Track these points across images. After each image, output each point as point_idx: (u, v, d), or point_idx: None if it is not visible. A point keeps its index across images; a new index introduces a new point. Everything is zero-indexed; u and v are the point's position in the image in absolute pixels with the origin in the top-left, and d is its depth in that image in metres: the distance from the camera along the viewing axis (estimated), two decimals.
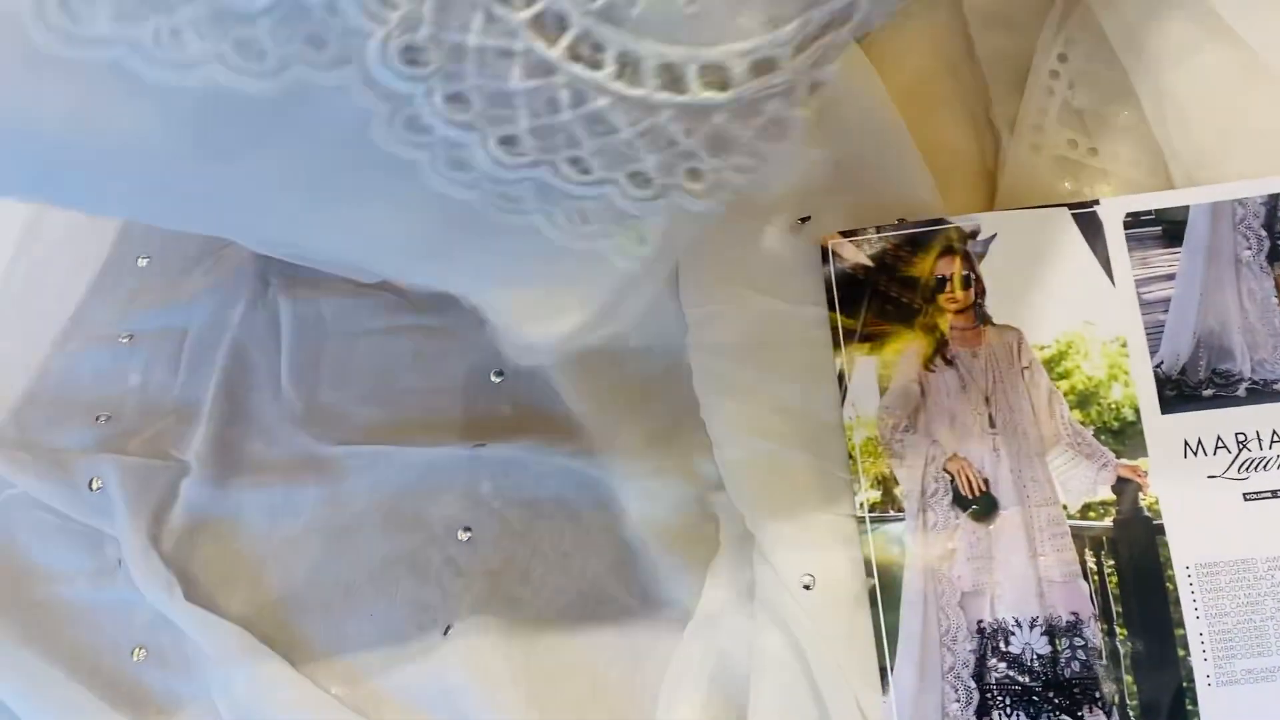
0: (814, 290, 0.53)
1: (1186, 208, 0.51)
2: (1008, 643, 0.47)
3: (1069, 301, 0.51)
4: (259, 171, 0.33)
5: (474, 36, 0.30)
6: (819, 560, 0.50)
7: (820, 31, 0.33)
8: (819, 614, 0.49)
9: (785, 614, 0.49)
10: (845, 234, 0.53)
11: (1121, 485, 0.48)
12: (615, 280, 0.37)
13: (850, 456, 0.51)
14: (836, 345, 0.52)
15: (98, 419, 0.57)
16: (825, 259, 0.53)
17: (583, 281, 0.37)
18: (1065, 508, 0.49)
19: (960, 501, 0.49)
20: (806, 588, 0.49)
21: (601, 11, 0.30)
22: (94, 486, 0.55)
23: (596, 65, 0.31)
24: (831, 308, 0.53)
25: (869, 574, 0.49)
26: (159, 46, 0.29)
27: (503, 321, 0.38)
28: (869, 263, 0.53)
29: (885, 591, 0.49)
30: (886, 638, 0.48)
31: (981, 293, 0.52)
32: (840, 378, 0.52)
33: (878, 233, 0.53)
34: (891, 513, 0.50)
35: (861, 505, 0.50)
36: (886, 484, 0.50)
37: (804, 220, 0.54)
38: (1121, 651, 0.47)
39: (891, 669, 0.48)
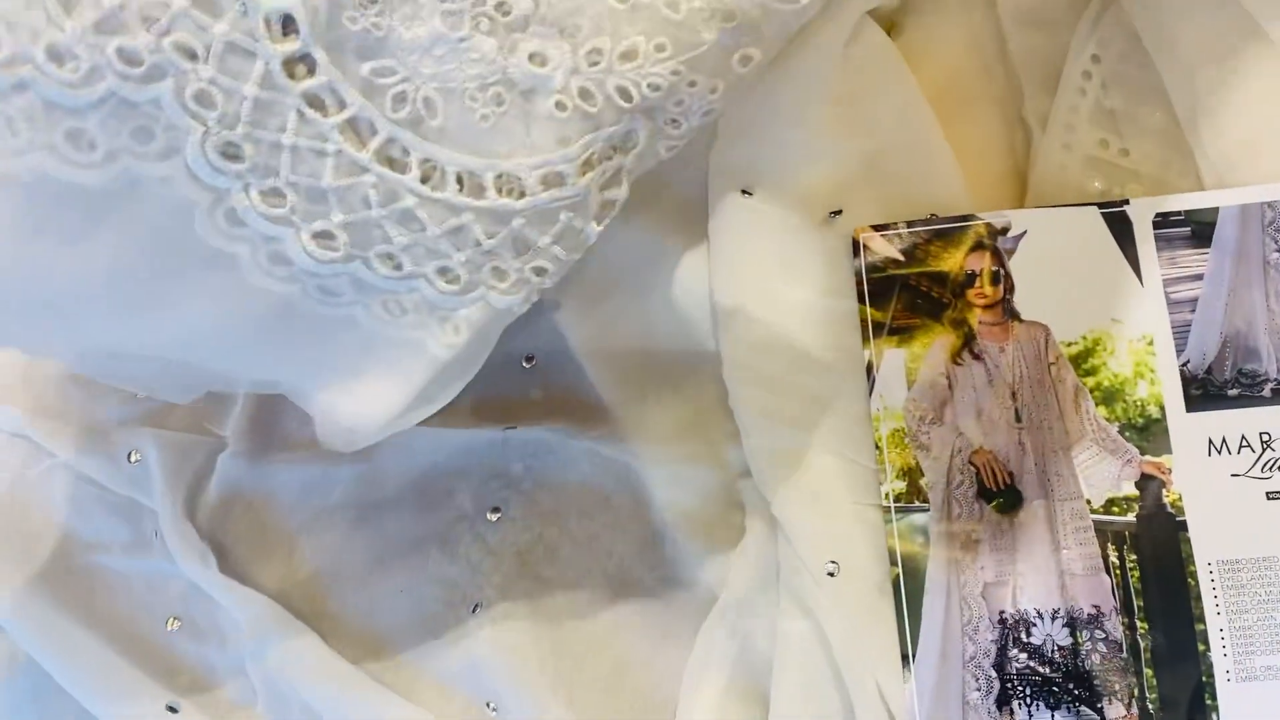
0: (844, 282, 0.54)
1: (1216, 209, 0.51)
2: (1029, 634, 0.48)
3: (1097, 299, 0.52)
4: (89, 261, 0.34)
5: (289, 136, 0.34)
6: (843, 548, 0.50)
7: (606, 154, 0.37)
8: (842, 601, 0.50)
9: (809, 600, 0.50)
10: (876, 227, 0.54)
11: (1145, 482, 0.49)
12: (432, 366, 0.39)
13: (877, 447, 0.51)
14: (865, 338, 0.53)
15: (137, 394, 0.58)
16: (855, 251, 0.54)
17: (401, 368, 0.39)
18: (1089, 502, 0.49)
19: (985, 494, 0.50)
20: (831, 575, 0.50)
21: (406, 121, 0.34)
22: (132, 459, 0.56)
23: (403, 169, 0.35)
24: (861, 300, 0.53)
25: (893, 563, 0.50)
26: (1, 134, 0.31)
27: (323, 411, 0.40)
28: (899, 256, 0.53)
29: (909, 580, 0.49)
30: (909, 626, 0.49)
31: (1010, 289, 0.52)
32: (868, 369, 0.52)
33: (908, 227, 0.54)
34: (916, 503, 0.50)
35: (887, 495, 0.51)
36: (912, 475, 0.51)
37: (835, 213, 0.55)
38: (1142, 645, 0.47)
39: (913, 657, 0.48)
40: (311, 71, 0.34)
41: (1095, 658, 0.48)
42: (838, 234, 0.55)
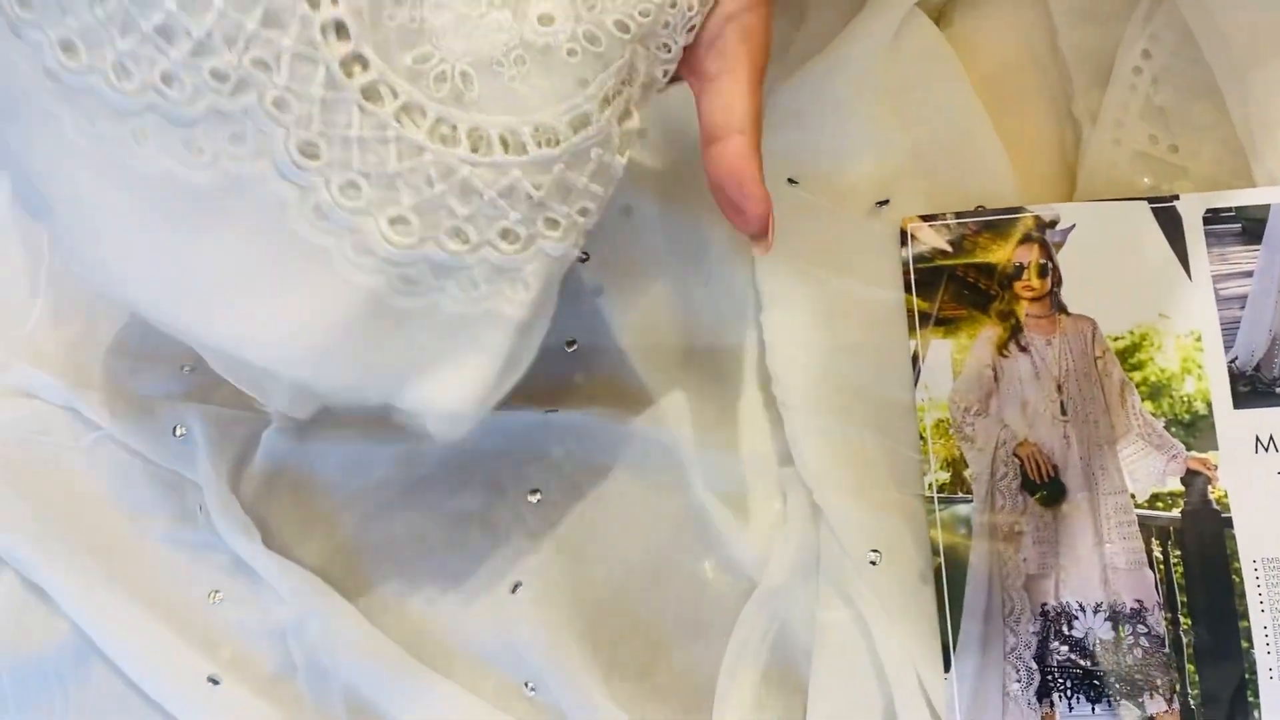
0: (890, 273, 0.54)
1: (1268, 206, 0.51)
2: (1071, 626, 0.48)
3: (1145, 294, 0.52)
4: (213, 250, 0.39)
5: (354, 130, 0.38)
6: (885, 537, 0.50)
7: (616, 89, 0.41)
8: (884, 590, 0.50)
9: (850, 588, 0.50)
10: (924, 218, 0.54)
11: (1191, 477, 0.49)
12: (511, 329, 0.41)
13: (921, 437, 0.51)
14: (911, 328, 0.53)
15: (183, 369, 0.58)
16: (903, 242, 0.54)
17: (484, 342, 0.41)
18: (1133, 497, 0.49)
19: (1029, 486, 0.50)
20: (872, 564, 0.50)
21: (449, 98, 0.38)
22: (178, 433, 0.57)
23: (454, 143, 0.39)
24: (908, 290, 0.53)
25: (935, 553, 0.50)
26: (136, 144, 0.37)
27: (420, 406, 0.42)
28: (947, 247, 0.53)
29: (951, 571, 0.49)
30: (950, 616, 0.49)
31: (1058, 282, 0.52)
32: (914, 360, 0.52)
33: (956, 218, 0.54)
34: (960, 494, 0.50)
35: (930, 486, 0.51)
36: (956, 466, 0.51)
37: (882, 203, 0.55)
38: (1185, 641, 0.47)
39: (954, 647, 0.48)
40: (365, 68, 0.38)
41: (1137, 652, 0.47)
42: (884, 224, 0.55)
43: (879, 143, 0.56)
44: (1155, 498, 0.49)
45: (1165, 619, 0.48)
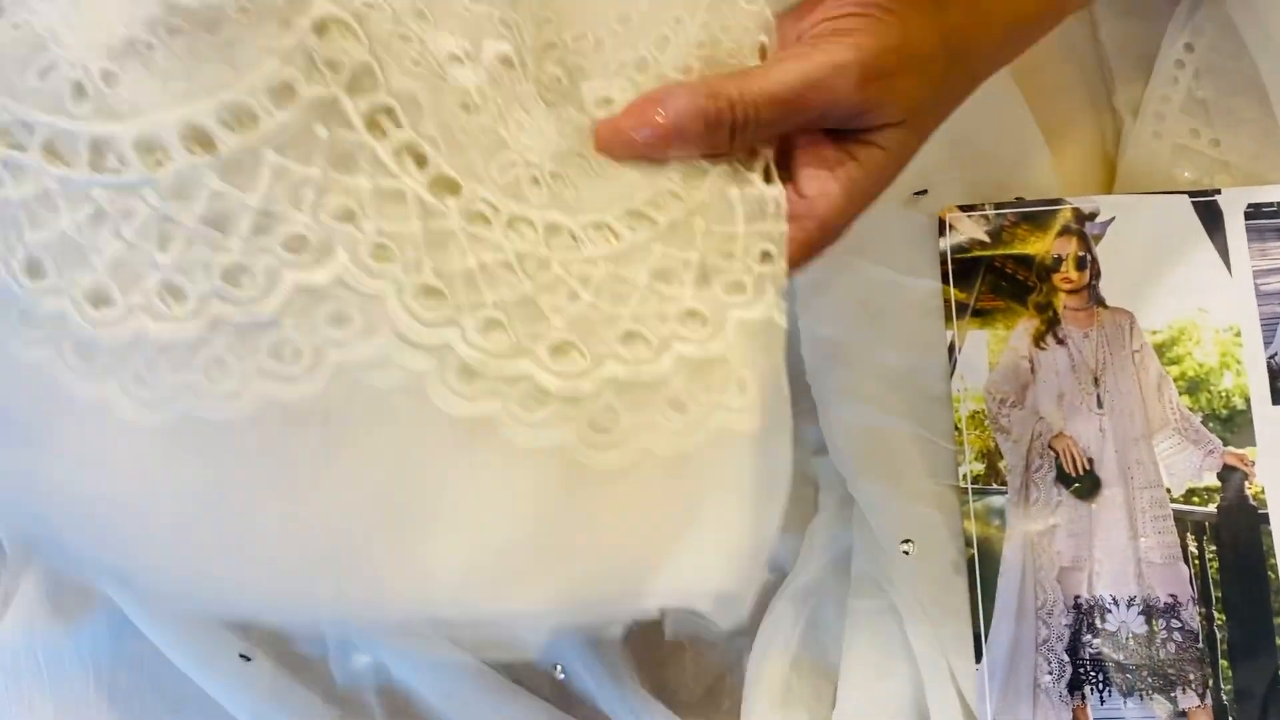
0: (927, 262, 0.54)
1: None
2: (1104, 619, 0.48)
3: (1184, 288, 0.51)
4: (315, 504, 0.31)
5: (469, 259, 0.31)
6: (919, 527, 0.50)
7: None
8: (916, 579, 0.50)
9: (882, 577, 0.50)
10: (963, 208, 0.54)
11: (1227, 473, 0.49)
12: (747, 449, 0.34)
13: (956, 428, 0.51)
14: (948, 318, 0.53)
15: None
16: (941, 231, 0.54)
17: (718, 478, 0.33)
18: (1169, 491, 0.49)
19: (1063, 478, 0.50)
20: (905, 553, 0.50)
21: (548, 202, 0.33)
22: None
23: (575, 246, 0.33)
24: (945, 281, 0.53)
25: (968, 544, 0.50)
26: (214, 380, 0.30)
27: (679, 600, 0.33)
28: (985, 238, 0.53)
29: (984, 562, 0.49)
30: (983, 607, 0.49)
31: (1096, 274, 0.52)
32: (950, 350, 0.52)
33: (995, 208, 0.53)
34: (994, 486, 0.50)
35: (964, 477, 0.50)
36: (991, 457, 0.51)
37: (920, 193, 0.55)
38: (1218, 636, 0.47)
39: (986, 638, 0.48)
40: (456, 191, 0.32)
41: (1170, 647, 0.47)
42: (922, 213, 0.54)
43: None
44: (1191, 493, 0.49)
45: (1199, 614, 0.47)
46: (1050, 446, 0.50)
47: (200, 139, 0.30)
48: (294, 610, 0.33)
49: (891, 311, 0.54)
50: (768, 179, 0.36)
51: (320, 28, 0.31)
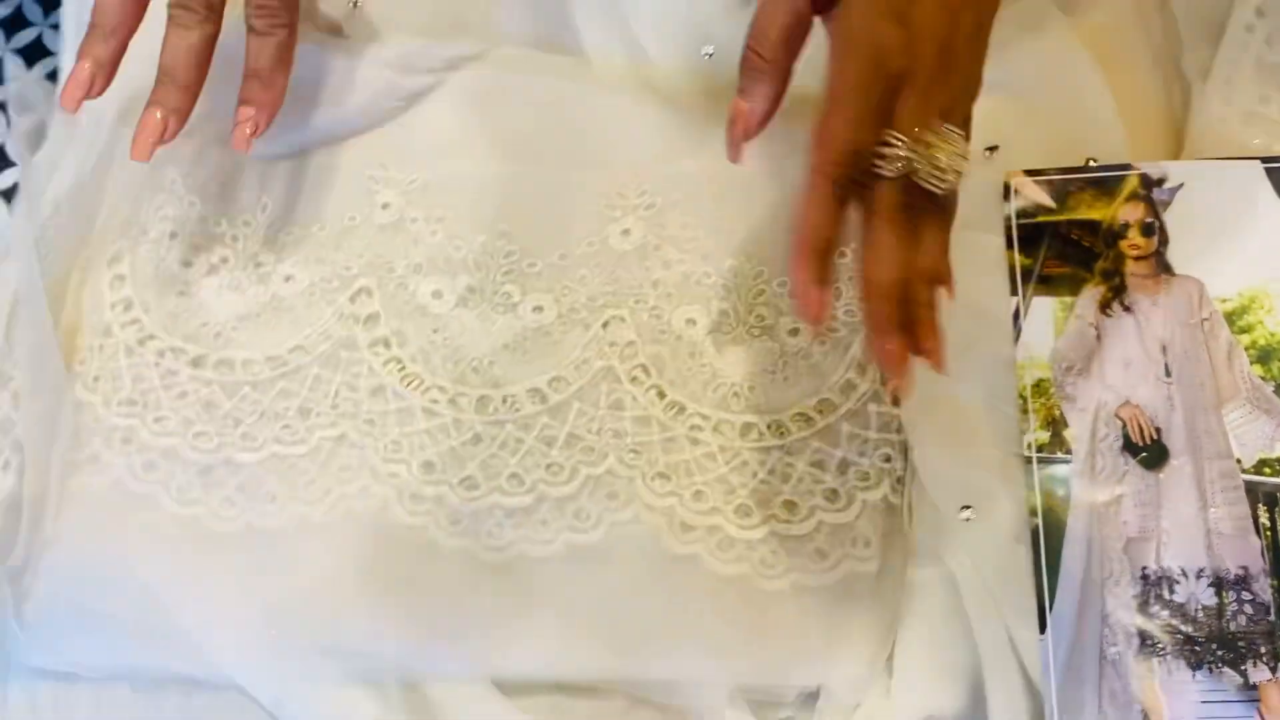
0: (993, 221, 0.53)
1: None
2: (1172, 591, 0.47)
3: (1254, 256, 0.50)
4: (614, 594, 0.50)
5: (689, 453, 0.52)
6: (980, 494, 0.49)
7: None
8: (976, 548, 0.49)
9: (941, 545, 0.49)
10: (1029, 172, 0.53)
11: None
12: (869, 583, 0.49)
13: (1020, 396, 0.50)
14: (1013, 284, 0.52)
15: None
16: (1006, 195, 0.53)
17: (855, 606, 0.49)
18: (1239, 462, 0.48)
19: (1130, 448, 0.49)
20: (965, 520, 0.49)
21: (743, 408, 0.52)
22: None
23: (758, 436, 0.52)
24: (1010, 246, 0.52)
25: (1032, 513, 0.49)
26: (534, 531, 0.50)
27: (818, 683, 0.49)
28: (1051, 203, 0.52)
29: (1048, 532, 0.48)
30: (1047, 577, 0.48)
31: (1164, 241, 0.51)
32: (1015, 317, 0.51)
33: (1062, 173, 0.52)
34: (1059, 455, 0.49)
35: (1029, 445, 0.49)
36: (1056, 426, 0.50)
37: (991, 149, 0.54)
38: None
39: (1050, 609, 0.47)
40: (663, 395, 0.53)
41: (1241, 619, 0.46)
42: (991, 171, 0.53)
43: (987, 92, 0.54)
44: (1263, 463, 0.48)
45: (1271, 586, 0.46)
46: (1117, 415, 0.49)
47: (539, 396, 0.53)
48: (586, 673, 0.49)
49: (958, 271, 0.53)
50: (895, 402, 0.51)
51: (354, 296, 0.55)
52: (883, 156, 0.41)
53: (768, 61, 0.46)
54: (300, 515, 0.50)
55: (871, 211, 0.42)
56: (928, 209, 0.42)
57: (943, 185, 0.41)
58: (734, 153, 0.48)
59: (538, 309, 0.55)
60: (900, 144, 0.40)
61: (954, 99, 0.42)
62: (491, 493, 0.51)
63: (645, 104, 0.58)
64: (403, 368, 0.53)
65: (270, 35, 0.53)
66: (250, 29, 0.53)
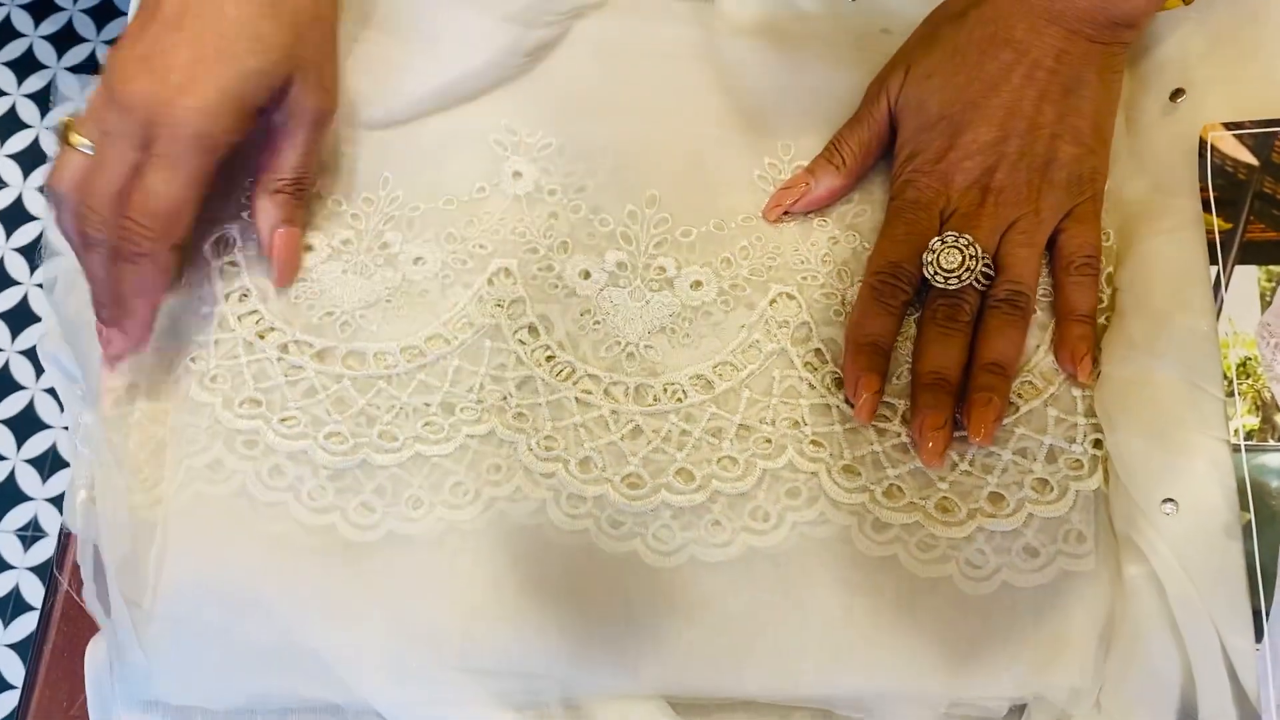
0: (1187, 180, 0.48)
1: None
2: None
3: None
4: (799, 603, 0.47)
5: (877, 444, 0.48)
6: (1184, 485, 0.45)
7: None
8: (1181, 544, 0.44)
9: (1142, 541, 0.45)
10: (1228, 125, 0.47)
11: None
12: (1083, 585, 0.46)
13: (1225, 376, 0.45)
14: (1212, 252, 0.47)
15: None
16: (1201, 153, 0.47)
17: (1069, 609, 0.46)
18: None
19: None
20: (1167, 514, 0.44)
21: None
22: None
23: None
24: (1207, 209, 0.47)
25: (1244, 507, 0.44)
26: (710, 535, 0.47)
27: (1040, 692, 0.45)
28: (1252, 160, 0.47)
29: (1262, 527, 0.44)
30: (1263, 578, 0.43)
31: None
32: (1215, 288, 0.46)
33: (1265, 126, 0.47)
34: (1271, 441, 0.45)
35: (1236, 432, 0.45)
36: (1266, 409, 0.45)
37: (1178, 94, 0.48)
38: None
39: (1267, 614, 0.43)
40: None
41: None
42: (1177, 123, 0.49)
43: (1173, 25, 0.49)
44: None
45: None
46: None
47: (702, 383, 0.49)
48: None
49: (1148, 233, 0.48)
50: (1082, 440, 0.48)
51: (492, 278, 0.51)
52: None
53: (845, 161, 0.51)
54: (447, 521, 0.46)
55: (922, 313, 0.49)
56: (997, 311, 0.48)
57: (946, 284, 0.47)
58: (773, 212, 0.52)
59: (696, 284, 0.51)
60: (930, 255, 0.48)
61: (1002, 220, 0.48)
62: (658, 490, 0.47)
63: (784, 52, 0.53)
64: (551, 356, 0.49)
65: (139, 262, 0.46)
66: (117, 254, 0.46)
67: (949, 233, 0.48)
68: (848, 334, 0.48)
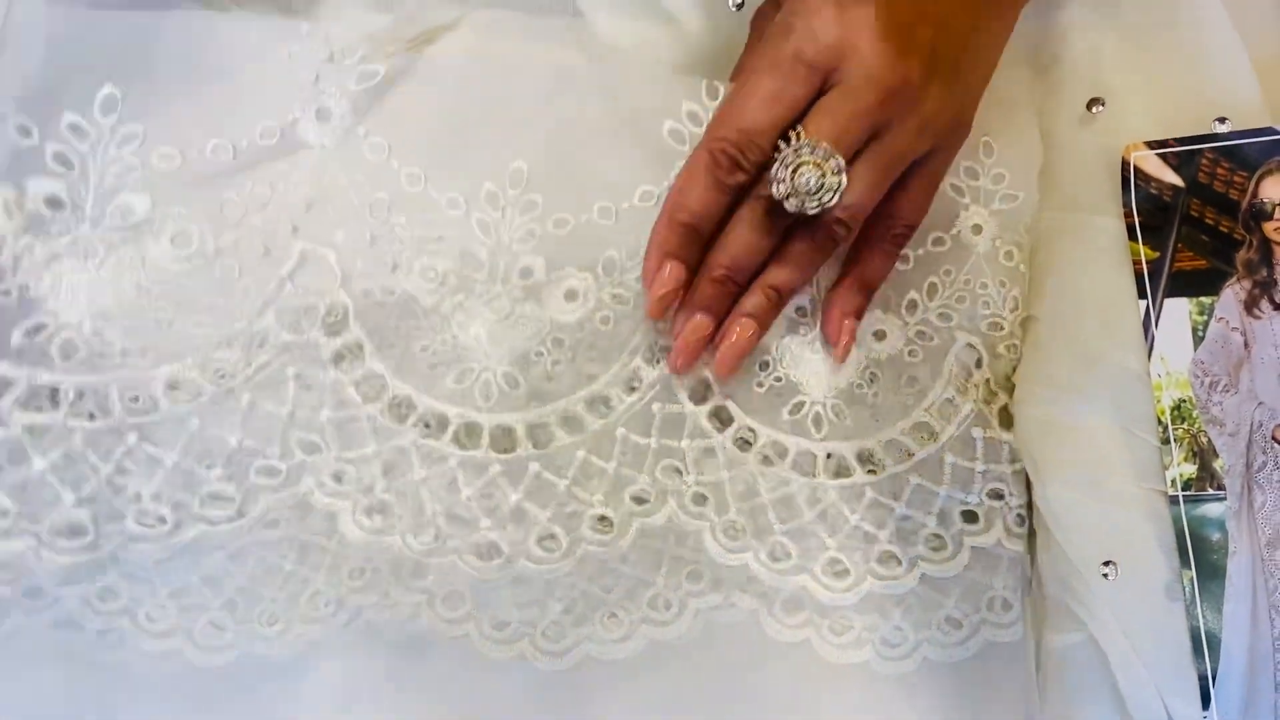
0: (1107, 198, 0.44)
1: None
2: None
3: None
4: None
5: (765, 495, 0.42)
6: (1122, 543, 0.42)
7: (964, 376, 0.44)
8: (1121, 608, 0.41)
9: (1079, 606, 0.42)
10: (1151, 145, 0.44)
11: None
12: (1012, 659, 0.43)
13: (1159, 422, 0.42)
14: (1140, 284, 0.43)
15: None
16: (1124, 175, 0.44)
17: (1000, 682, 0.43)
18: None
19: None
20: (1105, 576, 0.41)
21: (831, 435, 0.43)
22: None
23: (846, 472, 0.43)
24: (1133, 236, 0.43)
25: (1184, 564, 0.41)
26: (606, 630, 0.41)
27: None
28: (1178, 181, 0.43)
29: (1204, 585, 0.41)
30: (1207, 641, 0.40)
31: None
32: (1145, 323, 0.43)
33: (1190, 143, 0.43)
34: (1210, 490, 0.41)
35: (1174, 482, 0.42)
36: (1204, 456, 0.42)
37: (1095, 104, 0.45)
38: None
39: (1213, 679, 0.40)
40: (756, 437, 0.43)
41: None
42: (1098, 135, 0.45)
43: (1087, 26, 0.45)
44: None
45: None
46: (1275, 439, 0.41)
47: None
48: None
49: (1072, 260, 0.44)
50: (1005, 425, 0.44)
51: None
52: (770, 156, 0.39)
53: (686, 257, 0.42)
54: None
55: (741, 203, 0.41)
56: (807, 227, 0.40)
57: (790, 202, 0.39)
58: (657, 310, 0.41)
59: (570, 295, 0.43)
60: (783, 147, 0.39)
61: (873, 125, 0.39)
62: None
63: (664, 70, 0.47)
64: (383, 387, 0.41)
65: None
66: None
67: (814, 141, 0.39)
68: (666, 203, 0.41)
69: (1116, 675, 0.41)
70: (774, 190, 0.39)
